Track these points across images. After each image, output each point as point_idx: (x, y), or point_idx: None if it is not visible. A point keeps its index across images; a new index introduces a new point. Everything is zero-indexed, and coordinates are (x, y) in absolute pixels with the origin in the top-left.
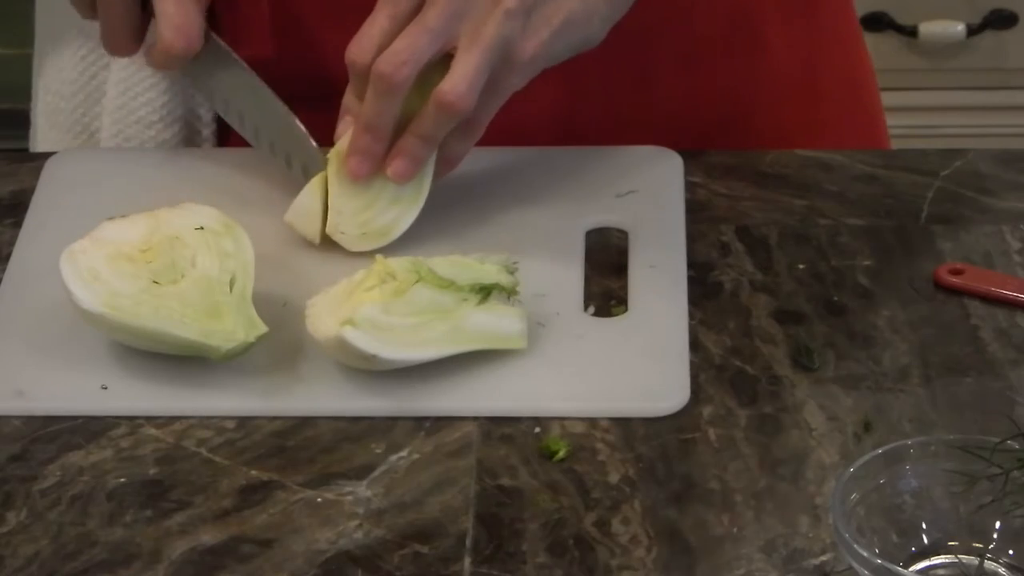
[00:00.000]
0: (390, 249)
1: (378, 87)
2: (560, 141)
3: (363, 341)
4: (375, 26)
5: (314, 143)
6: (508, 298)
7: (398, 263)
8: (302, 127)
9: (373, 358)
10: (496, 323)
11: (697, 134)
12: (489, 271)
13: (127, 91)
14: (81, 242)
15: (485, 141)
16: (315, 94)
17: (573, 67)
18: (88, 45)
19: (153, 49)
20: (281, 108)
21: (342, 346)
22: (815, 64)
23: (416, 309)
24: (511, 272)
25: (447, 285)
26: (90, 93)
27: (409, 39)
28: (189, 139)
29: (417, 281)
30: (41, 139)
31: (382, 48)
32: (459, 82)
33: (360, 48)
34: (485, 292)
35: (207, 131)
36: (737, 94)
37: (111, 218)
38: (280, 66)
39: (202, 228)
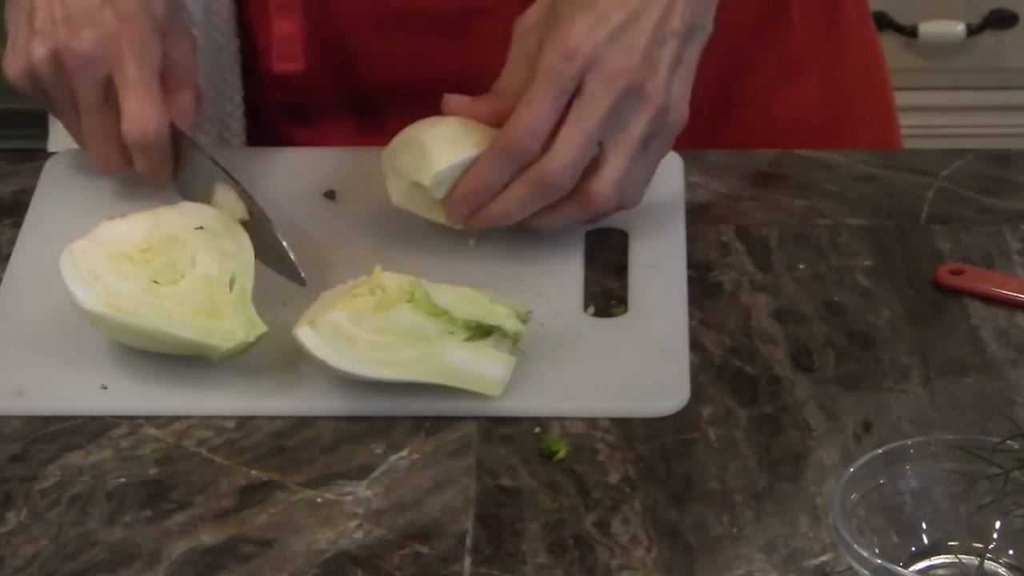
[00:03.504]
0: (393, 265)
1: (541, 191)
2: None
3: (314, 344)
4: (540, 112)
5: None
6: (512, 345)
7: (395, 279)
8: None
9: (322, 363)
10: (473, 363)
11: (719, 112)
12: (496, 312)
13: None
14: (81, 242)
15: None
16: (348, 102)
17: None
18: None
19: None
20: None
21: (300, 346)
22: (833, 38)
23: (390, 328)
24: (523, 321)
25: (438, 314)
26: None
27: (573, 146)
28: (219, 141)
29: (408, 301)
30: (60, 141)
31: (545, 136)
32: (609, 185)
33: (533, 136)
34: (483, 331)
35: (237, 126)
36: (758, 68)
37: (111, 218)
38: (313, 78)
39: (202, 228)
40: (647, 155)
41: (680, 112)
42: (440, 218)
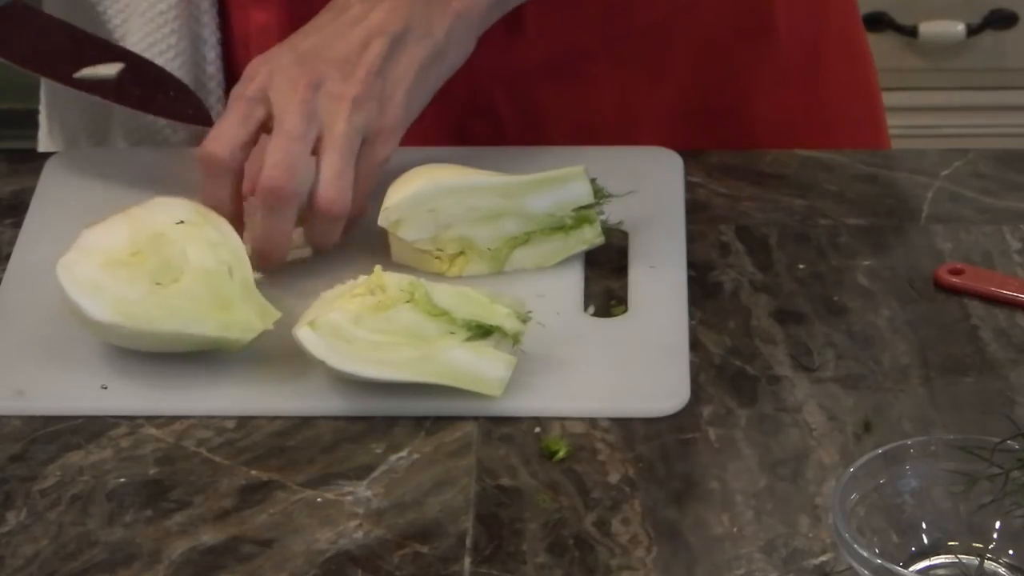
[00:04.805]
0: (395, 266)
1: (271, 202)
2: (573, 140)
3: (313, 345)
4: (229, 124)
5: None
6: (512, 345)
7: (395, 279)
8: None
9: (322, 363)
10: (474, 363)
11: (702, 120)
12: (496, 312)
13: None
14: (69, 255)
15: (501, 140)
16: None
17: (588, 69)
18: None
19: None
20: None
21: (300, 346)
22: (818, 48)
23: (390, 328)
24: (523, 321)
25: (438, 314)
26: None
27: (281, 151)
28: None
29: (407, 302)
30: (50, 141)
31: (240, 146)
32: (328, 187)
33: (219, 144)
34: (483, 332)
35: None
36: (742, 78)
37: (88, 226)
38: None
39: (182, 222)
40: (363, 158)
41: (392, 114)
42: (431, 267)
